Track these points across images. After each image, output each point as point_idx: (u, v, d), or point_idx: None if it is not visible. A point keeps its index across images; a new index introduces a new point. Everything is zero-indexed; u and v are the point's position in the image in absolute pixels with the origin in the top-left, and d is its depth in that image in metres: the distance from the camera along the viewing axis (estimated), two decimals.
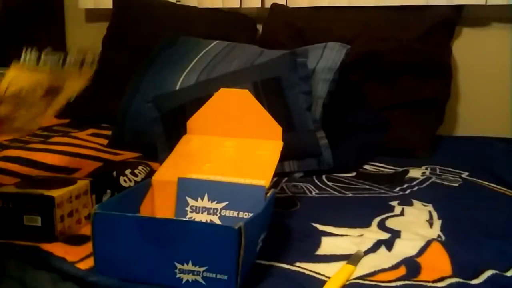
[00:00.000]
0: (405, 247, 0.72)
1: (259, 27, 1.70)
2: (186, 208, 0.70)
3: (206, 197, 0.70)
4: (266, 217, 0.68)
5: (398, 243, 0.73)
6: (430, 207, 0.90)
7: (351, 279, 0.62)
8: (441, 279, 0.62)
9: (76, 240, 0.71)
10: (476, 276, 0.63)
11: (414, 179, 1.08)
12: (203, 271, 0.56)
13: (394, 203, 0.92)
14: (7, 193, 0.70)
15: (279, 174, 1.08)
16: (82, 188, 0.76)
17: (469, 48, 1.55)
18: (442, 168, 1.17)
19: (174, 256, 0.56)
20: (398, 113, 1.38)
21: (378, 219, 0.84)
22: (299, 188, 1.01)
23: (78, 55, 0.71)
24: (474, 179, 1.09)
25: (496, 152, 1.30)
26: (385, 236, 0.76)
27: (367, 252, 0.70)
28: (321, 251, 0.70)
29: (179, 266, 0.56)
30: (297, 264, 0.65)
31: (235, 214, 0.69)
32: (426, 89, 1.40)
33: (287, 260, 0.66)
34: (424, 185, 1.04)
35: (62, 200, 0.71)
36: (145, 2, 1.75)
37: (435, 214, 0.86)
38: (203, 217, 0.69)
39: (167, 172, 0.77)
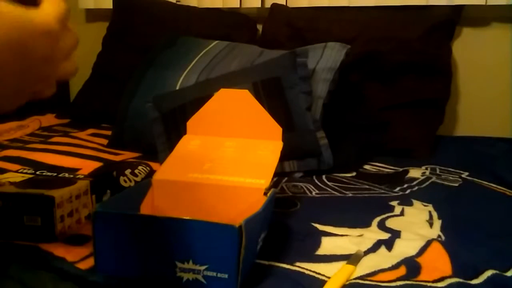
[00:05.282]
0: (405, 247, 0.72)
1: (259, 27, 1.70)
2: None
3: None
4: (266, 216, 0.68)
5: (398, 243, 0.73)
6: (430, 207, 0.90)
7: (351, 279, 0.62)
8: (441, 279, 0.62)
9: (76, 240, 0.71)
10: (476, 276, 0.63)
11: (414, 179, 1.08)
12: (204, 270, 0.56)
13: (394, 203, 0.92)
14: (7, 193, 0.70)
15: (279, 174, 1.08)
16: (82, 188, 0.76)
17: (469, 48, 1.55)
18: (442, 168, 1.17)
19: (174, 254, 0.56)
20: (398, 113, 1.38)
21: (378, 219, 0.84)
22: (299, 188, 1.01)
23: None
24: (474, 179, 1.09)
25: (496, 152, 1.30)
26: (385, 236, 0.76)
27: (367, 252, 0.70)
28: (321, 251, 0.70)
29: (179, 264, 0.56)
30: (297, 264, 0.65)
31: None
32: (426, 89, 1.40)
33: (287, 260, 0.66)
34: (424, 185, 1.04)
35: (62, 200, 0.71)
36: (145, 2, 1.75)
37: (435, 214, 0.86)
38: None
39: (167, 172, 0.77)
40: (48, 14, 0.39)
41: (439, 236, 0.77)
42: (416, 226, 0.80)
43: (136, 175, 0.91)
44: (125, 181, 0.88)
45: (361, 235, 0.76)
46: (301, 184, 1.03)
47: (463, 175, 1.11)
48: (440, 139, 1.42)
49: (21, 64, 0.37)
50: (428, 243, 0.73)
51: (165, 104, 1.16)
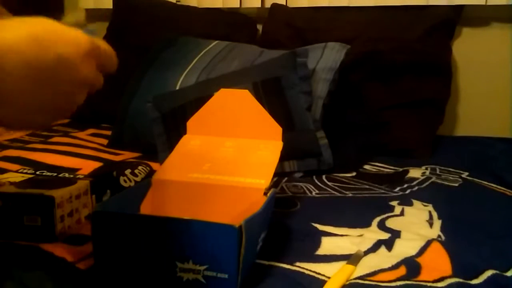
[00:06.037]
0: (405, 247, 0.72)
1: (259, 27, 1.70)
2: None
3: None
4: (266, 216, 0.68)
5: (398, 243, 0.73)
6: (430, 207, 0.90)
7: (351, 279, 0.62)
8: (441, 279, 0.62)
9: (76, 240, 0.71)
10: (476, 276, 0.63)
11: (414, 179, 1.08)
12: (204, 270, 0.56)
13: (394, 203, 0.92)
14: (7, 193, 0.70)
15: (279, 174, 1.08)
16: (82, 188, 0.76)
17: (469, 48, 1.55)
18: (442, 168, 1.17)
19: (174, 254, 0.56)
20: (398, 113, 1.38)
21: (378, 219, 0.84)
22: (299, 188, 1.01)
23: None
24: (474, 179, 1.09)
25: (496, 152, 1.30)
26: (385, 236, 0.76)
27: (367, 252, 0.70)
28: (321, 251, 0.70)
29: (179, 265, 0.56)
30: (297, 264, 0.65)
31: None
32: (426, 89, 1.40)
33: (287, 260, 0.66)
34: (424, 185, 1.04)
35: (62, 200, 0.71)
36: (145, 2, 1.75)
37: (435, 214, 0.86)
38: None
39: (167, 172, 0.77)
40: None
41: (439, 236, 0.77)
42: (416, 226, 0.80)
43: (136, 175, 0.91)
44: (125, 181, 0.88)
45: (361, 235, 0.76)
46: (301, 184, 1.03)
47: (463, 175, 1.11)
48: (440, 139, 1.42)
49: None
50: (428, 243, 0.73)
51: (165, 104, 1.16)
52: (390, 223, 0.82)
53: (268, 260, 0.66)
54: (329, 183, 1.05)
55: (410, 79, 1.41)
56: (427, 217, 0.85)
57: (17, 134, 1.43)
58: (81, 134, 1.43)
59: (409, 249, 0.71)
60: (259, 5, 1.70)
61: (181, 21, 1.67)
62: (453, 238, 0.75)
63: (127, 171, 0.90)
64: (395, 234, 0.77)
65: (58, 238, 0.70)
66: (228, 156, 0.81)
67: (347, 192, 0.99)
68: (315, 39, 1.39)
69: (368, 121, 1.34)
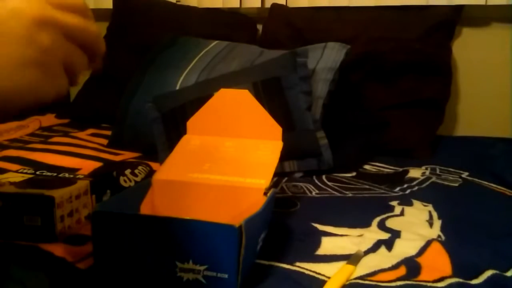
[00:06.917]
0: (405, 247, 0.72)
1: (259, 27, 1.70)
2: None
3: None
4: (266, 216, 0.68)
5: (398, 243, 0.73)
6: (430, 207, 0.90)
7: (351, 279, 0.62)
8: (441, 279, 0.62)
9: (76, 240, 0.71)
10: (476, 276, 0.63)
11: (414, 179, 1.08)
12: (204, 270, 0.56)
13: (394, 203, 0.92)
14: (7, 193, 0.70)
15: (279, 174, 1.08)
16: (82, 188, 0.76)
17: (469, 48, 1.55)
18: (442, 168, 1.17)
19: (174, 254, 0.56)
20: (398, 113, 1.38)
21: (378, 219, 0.84)
22: (299, 188, 1.01)
23: None
24: (474, 179, 1.09)
25: (496, 152, 1.30)
26: (385, 236, 0.76)
27: (367, 252, 0.70)
28: (321, 251, 0.71)
29: (179, 265, 0.56)
30: (297, 264, 0.65)
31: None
32: (426, 89, 1.40)
33: (287, 260, 0.66)
34: (424, 185, 1.04)
35: (62, 200, 0.71)
36: (145, 2, 1.75)
37: (435, 214, 0.86)
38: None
39: (167, 172, 0.77)
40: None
41: (439, 236, 0.77)
42: (416, 226, 0.80)
43: (136, 175, 0.91)
44: (125, 181, 0.88)
45: (361, 235, 0.76)
46: (301, 184, 1.03)
47: (463, 175, 1.11)
48: (440, 139, 1.42)
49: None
50: (428, 243, 0.73)
51: (165, 104, 1.16)
52: (390, 223, 0.82)
53: (268, 260, 0.66)
54: (329, 183, 1.05)
55: (410, 79, 1.41)
56: (427, 217, 0.85)
57: (17, 134, 1.43)
58: (81, 134, 1.43)
59: (409, 249, 0.71)
60: (259, 5, 1.70)
61: (181, 21, 1.67)
62: (453, 238, 0.75)
63: (127, 171, 0.90)
64: (395, 234, 0.77)
65: (58, 238, 0.70)
66: (228, 156, 0.81)
67: (347, 192, 0.99)
68: (315, 39, 1.39)
69: (368, 121, 1.34)
